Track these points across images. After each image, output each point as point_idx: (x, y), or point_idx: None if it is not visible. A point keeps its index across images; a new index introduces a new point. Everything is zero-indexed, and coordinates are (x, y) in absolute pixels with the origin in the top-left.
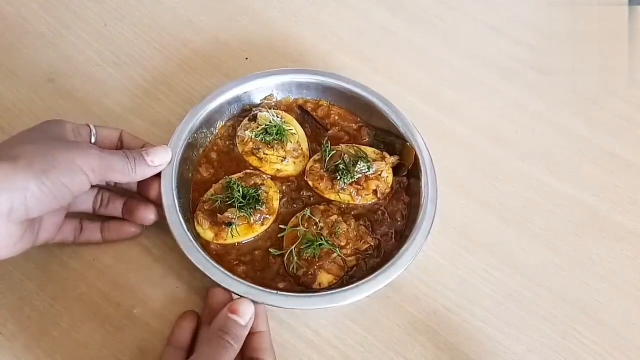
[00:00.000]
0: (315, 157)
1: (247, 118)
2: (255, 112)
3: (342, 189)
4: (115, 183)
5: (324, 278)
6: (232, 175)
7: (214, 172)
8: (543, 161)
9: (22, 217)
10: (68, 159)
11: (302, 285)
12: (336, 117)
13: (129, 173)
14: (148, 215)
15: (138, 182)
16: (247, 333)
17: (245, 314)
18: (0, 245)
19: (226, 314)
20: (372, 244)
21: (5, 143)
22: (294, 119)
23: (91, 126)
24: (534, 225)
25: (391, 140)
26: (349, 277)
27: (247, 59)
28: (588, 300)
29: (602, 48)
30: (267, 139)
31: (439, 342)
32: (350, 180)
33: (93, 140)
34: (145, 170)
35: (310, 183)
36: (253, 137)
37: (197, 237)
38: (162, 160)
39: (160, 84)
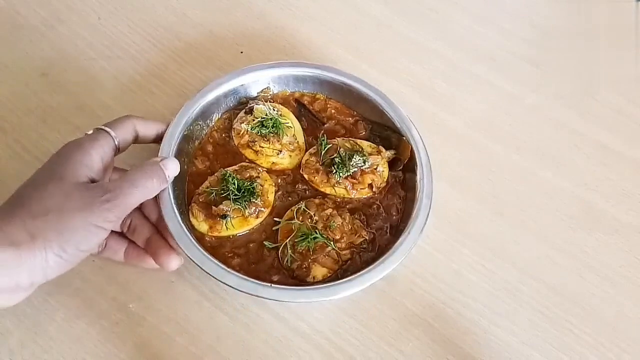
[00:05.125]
0: (311, 150)
1: (244, 111)
2: (252, 105)
3: (338, 182)
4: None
5: (318, 271)
6: (228, 168)
7: (210, 165)
8: (537, 154)
9: (40, 283)
10: (85, 222)
11: (297, 278)
12: (333, 111)
13: (150, 194)
14: (170, 263)
15: None
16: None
17: (171, 173)
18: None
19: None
20: (367, 238)
21: (17, 205)
22: (291, 112)
23: (109, 131)
24: (529, 219)
25: (387, 134)
26: (343, 271)
27: (242, 52)
28: (582, 293)
29: (597, 42)
30: (263, 132)
31: (434, 335)
32: (346, 174)
33: (116, 143)
34: (163, 186)
35: (305, 176)
36: (249, 130)
37: (191, 229)
38: (174, 173)
39: (154, 77)
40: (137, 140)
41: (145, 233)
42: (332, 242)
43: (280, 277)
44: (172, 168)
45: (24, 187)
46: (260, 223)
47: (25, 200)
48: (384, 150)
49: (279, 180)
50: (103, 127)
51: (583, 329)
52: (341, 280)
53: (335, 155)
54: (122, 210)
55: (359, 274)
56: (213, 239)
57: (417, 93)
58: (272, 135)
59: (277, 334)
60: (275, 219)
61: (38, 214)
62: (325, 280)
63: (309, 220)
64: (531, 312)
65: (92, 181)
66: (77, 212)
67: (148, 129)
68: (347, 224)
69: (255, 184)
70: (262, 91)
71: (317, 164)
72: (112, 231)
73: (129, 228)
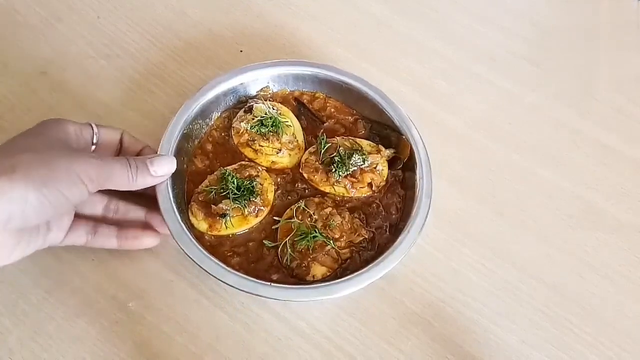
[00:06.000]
0: (311, 149)
1: (243, 110)
2: (251, 103)
3: (337, 181)
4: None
5: (318, 270)
6: (227, 167)
7: (209, 164)
8: (537, 154)
9: (18, 225)
10: (68, 168)
11: (296, 277)
12: (332, 110)
13: (128, 182)
14: None
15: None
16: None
17: (159, 169)
18: None
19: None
20: (367, 236)
21: (3, 149)
22: (290, 111)
23: (93, 126)
24: (529, 218)
25: (387, 133)
26: (343, 269)
27: (241, 51)
28: (581, 292)
29: (598, 42)
30: (263, 130)
31: (433, 334)
32: (346, 173)
33: (95, 140)
34: (147, 180)
35: (305, 175)
36: (248, 128)
37: (191, 228)
38: (166, 170)
39: (153, 76)
40: (120, 150)
41: (139, 211)
42: (331, 241)
43: (279, 276)
44: (162, 165)
45: (3, 143)
46: (260, 222)
47: (5, 146)
48: (383, 149)
49: (279, 179)
50: (91, 123)
51: (583, 328)
52: (341, 279)
53: (334, 154)
54: (104, 174)
55: (358, 272)
56: (212, 237)
57: (417, 92)
58: (271, 134)
59: (276, 333)
60: (274, 217)
61: (21, 152)
62: (325, 279)
63: (309, 219)
64: (531, 311)
65: None
66: (61, 157)
67: (134, 144)
68: (347, 223)
69: (254, 183)
70: (261, 90)
71: (317, 163)
72: (100, 218)
73: (115, 213)
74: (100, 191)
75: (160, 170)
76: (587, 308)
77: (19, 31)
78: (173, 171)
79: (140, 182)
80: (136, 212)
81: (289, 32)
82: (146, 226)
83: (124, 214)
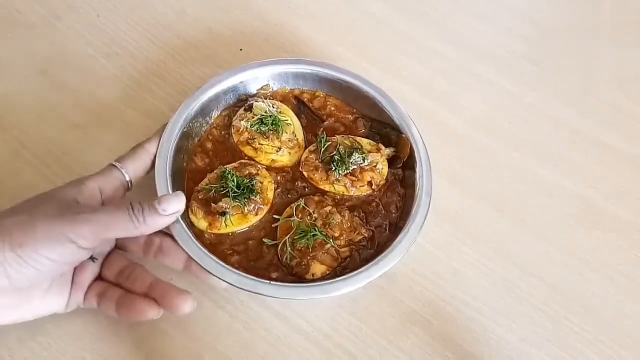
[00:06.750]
0: (311, 148)
1: (243, 108)
2: (251, 102)
3: (337, 180)
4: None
5: (317, 269)
6: (227, 165)
7: (209, 162)
8: (537, 152)
9: (5, 286)
10: (51, 230)
11: (296, 275)
12: (332, 108)
13: (134, 227)
14: (185, 304)
15: (163, 256)
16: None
17: (168, 207)
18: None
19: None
20: (366, 235)
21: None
22: (290, 110)
23: (122, 169)
24: (528, 216)
25: (387, 132)
26: (342, 268)
27: (241, 49)
28: (581, 290)
29: (597, 41)
30: (263, 129)
31: (433, 333)
32: (345, 172)
33: (127, 178)
34: (157, 220)
35: (305, 174)
36: (248, 127)
37: (191, 226)
38: (175, 208)
39: (153, 75)
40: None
41: (145, 279)
42: (331, 240)
43: (279, 274)
44: (171, 203)
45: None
46: (260, 220)
47: (7, 208)
48: (383, 147)
49: (278, 178)
50: (114, 162)
51: (583, 326)
52: (340, 278)
53: (334, 152)
54: (99, 226)
55: (358, 271)
56: (212, 236)
57: (417, 91)
58: (271, 132)
59: (276, 331)
60: (274, 216)
61: (7, 214)
62: (325, 277)
63: (308, 217)
64: (531, 310)
65: None
66: (45, 217)
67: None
68: (347, 222)
69: (254, 181)
70: (261, 88)
71: (317, 162)
72: (110, 281)
73: (128, 278)
74: (120, 254)
75: (170, 208)
76: (587, 307)
77: (19, 30)
78: (183, 208)
79: (150, 223)
80: (143, 280)
81: (288, 30)
82: (148, 295)
83: (132, 281)
